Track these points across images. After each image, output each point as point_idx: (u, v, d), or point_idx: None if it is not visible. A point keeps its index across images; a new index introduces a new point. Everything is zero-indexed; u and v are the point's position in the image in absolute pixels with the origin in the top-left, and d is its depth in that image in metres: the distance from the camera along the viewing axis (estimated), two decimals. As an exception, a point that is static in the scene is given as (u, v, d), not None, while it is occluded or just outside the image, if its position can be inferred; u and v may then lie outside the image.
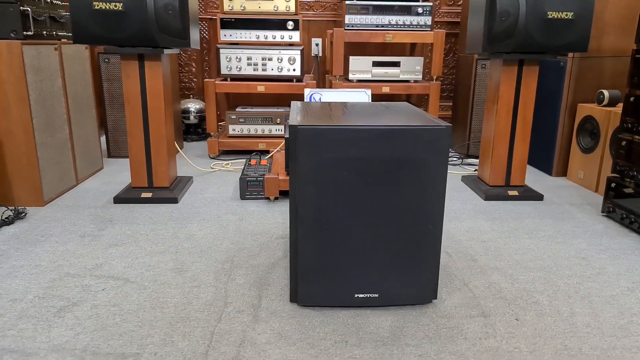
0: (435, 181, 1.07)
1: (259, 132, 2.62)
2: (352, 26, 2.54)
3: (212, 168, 2.40)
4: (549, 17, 1.74)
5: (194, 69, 3.22)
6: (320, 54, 3.16)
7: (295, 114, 1.17)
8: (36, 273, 1.29)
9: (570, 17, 1.75)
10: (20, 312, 1.11)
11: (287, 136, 1.05)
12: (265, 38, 2.56)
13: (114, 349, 0.98)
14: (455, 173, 2.40)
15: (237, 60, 2.54)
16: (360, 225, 1.09)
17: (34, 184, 1.78)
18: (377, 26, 2.54)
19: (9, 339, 1.01)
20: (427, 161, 1.06)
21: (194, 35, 1.83)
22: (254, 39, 2.56)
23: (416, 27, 2.55)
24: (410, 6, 2.53)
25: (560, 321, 1.13)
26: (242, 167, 2.39)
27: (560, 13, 1.74)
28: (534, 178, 2.33)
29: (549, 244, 1.56)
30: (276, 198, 1.93)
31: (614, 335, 1.07)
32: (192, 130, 3.08)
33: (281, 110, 2.70)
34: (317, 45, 3.15)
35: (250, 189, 1.92)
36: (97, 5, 1.68)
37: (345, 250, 1.10)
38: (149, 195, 1.88)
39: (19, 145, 1.74)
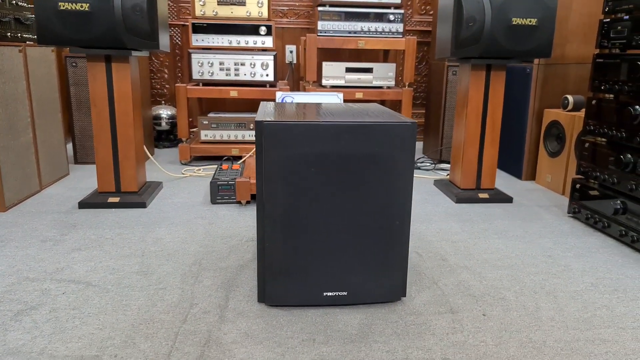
0: (402, 177, 1.08)
1: (232, 138, 2.60)
2: (325, 32, 2.56)
3: (183, 174, 2.36)
4: (514, 23, 1.79)
5: (166, 76, 3.19)
6: (295, 61, 3.18)
7: (263, 113, 1.16)
8: (-8, 278, 1.24)
9: (534, 24, 1.80)
10: (-28, 318, 1.05)
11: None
12: (238, 43, 2.56)
13: (72, 351, 0.94)
14: (428, 177, 2.42)
15: (209, 65, 2.52)
16: (328, 223, 1.08)
17: (-6, 189, 1.71)
18: (349, 33, 2.57)
19: (-42, 345, 0.96)
20: (394, 157, 1.06)
21: (164, 38, 1.81)
22: (226, 44, 2.55)
23: (388, 34, 2.59)
24: (383, 13, 2.57)
25: (526, 315, 1.14)
26: (214, 172, 2.36)
27: (524, 19, 1.80)
28: (504, 182, 2.38)
29: (517, 243, 1.59)
30: (248, 202, 1.91)
31: (577, 328, 1.09)
32: (163, 137, 3.03)
33: (254, 115, 2.68)
34: (291, 52, 3.17)
35: (221, 193, 1.90)
36: (63, 6, 1.64)
37: (313, 248, 1.09)
38: (116, 200, 1.83)
39: (-22, 148, 1.68)
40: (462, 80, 2.06)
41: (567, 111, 2.16)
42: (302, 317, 1.10)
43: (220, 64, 2.52)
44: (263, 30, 2.55)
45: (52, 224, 1.64)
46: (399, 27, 2.59)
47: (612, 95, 1.63)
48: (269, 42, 2.56)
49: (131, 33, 1.70)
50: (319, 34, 2.55)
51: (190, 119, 3.07)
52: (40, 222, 1.64)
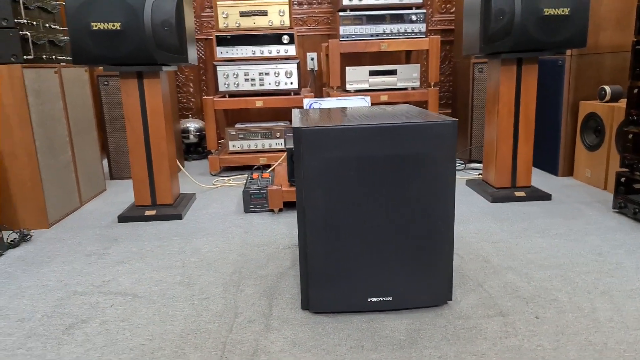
0: (444, 177, 1.06)
1: (259, 147, 2.62)
2: (347, 37, 2.56)
3: (214, 184, 2.39)
4: (545, 14, 1.75)
5: (191, 89, 3.24)
6: (316, 68, 3.18)
7: (298, 119, 1.16)
8: (43, 292, 1.27)
9: (566, 13, 1.75)
10: (29, 331, 1.08)
11: (289, 146, 1.04)
12: (262, 53, 2.58)
13: (124, 364, 0.96)
14: (460, 178, 2.38)
15: (235, 76, 2.55)
16: (370, 226, 1.07)
17: (38, 207, 1.77)
18: (371, 36, 2.56)
19: (19, 358, 0.98)
20: (435, 157, 1.04)
21: (191, 52, 1.84)
22: (250, 54, 2.58)
23: (411, 35, 2.57)
24: (404, 14, 2.55)
25: (582, 317, 1.09)
26: (245, 181, 2.37)
27: (556, 9, 1.75)
28: (540, 179, 2.31)
29: (562, 242, 1.54)
30: (280, 210, 1.91)
31: (639, 329, 1.04)
32: (192, 150, 3.08)
33: (280, 124, 2.70)
34: (312, 59, 3.18)
35: (253, 202, 1.91)
36: (95, 26, 1.69)
37: (355, 253, 1.08)
38: (153, 212, 1.86)
39: (23, 167, 1.74)
40: (491, 76, 2.02)
41: (604, 102, 2.08)
42: (347, 323, 1.08)
43: (245, 74, 2.55)
44: (286, 38, 2.56)
45: (94, 238, 1.68)
46: (422, 27, 2.56)
47: (654, 83, 1.57)
48: (291, 50, 2.58)
49: (161, 48, 1.73)
50: (341, 39, 2.55)
51: (217, 131, 3.11)
52: (84, 237, 1.68)
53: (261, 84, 2.57)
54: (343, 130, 1.01)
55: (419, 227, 1.08)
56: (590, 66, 2.21)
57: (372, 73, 2.61)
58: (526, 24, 1.75)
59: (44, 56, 1.93)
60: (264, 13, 2.56)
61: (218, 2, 2.56)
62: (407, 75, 2.62)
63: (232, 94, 2.59)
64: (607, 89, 2.06)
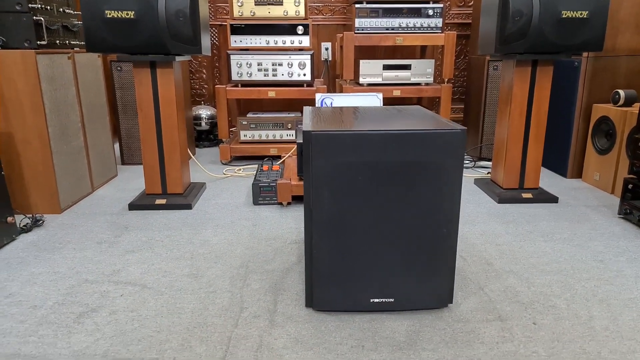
0: (451, 185, 1.07)
1: (270, 138, 2.63)
2: (362, 30, 2.54)
3: (225, 174, 2.42)
4: (563, 16, 1.73)
5: (204, 76, 3.25)
6: (330, 58, 3.17)
7: (309, 120, 1.17)
8: (55, 280, 1.31)
9: (584, 16, 1.73)
10: (40, 319, 1.12)
11: (299, 141, 1.05)
12: (275, 43, 2.58)
13: (133, 354, 0.99)
14: (468, 176, 2.38)
15: (248, 66, 2.55)
16: (375, 230, 1.09)
17: (50, 192, 1.81)
18: (387, 29, 2.54)
19: (31, 345, 1.03)
20: (443, 165, 1.05)
21: (205, 41, 1.84)
22: (264, 44, 2.58)
23: (427, 30, 2.55)
24: (421, 8, 2.52)
25: (579, 325, 1.11)
26: (255, 172, 2.40)
27: (574, 12, 1.72)
28: (548, 180, 2.30)
29: (565, 246, 1.54)
30: (289, 203, 1.93)
31: (633, 339, 1.06)
32: (203, 137, 3.10)
33: (292, 115, 2.71)
34: (326, 49, 3.16)
35: (263, 194, 1.93)
36: (110, 14, 1.70)
37: (360, 255, 1.10)
38: (163, 201, 1.89)
39: (36, 153, 1.77)
40: (505, 76, 2.01)
41: (618, 106, 2.06)
42: (349, 322, 1.11)
43: (259, 64, 2.55)
44: (300, 29, 2.55)
45: (105, 225, 1.72)
46: (438, 22, 2.54)
47: (670, 92, 1.55)
48: (306, 41, 2.57)
49: (175, 39, 1.74)
50: (356, 32, 2.54)
51: (229, 118, 3.13)
52: (95, 224, 1.73)
53: (274, 75, 2.57)
54: (352, 136, 1.03)
55: (423, 232, 1.09)
56: (606, 69, 2.18)
57: (385, 67, 2.59)
58: (543, 26, 1.73)
59: (58, 41, 1.95)
60: (279, 2, 2.55)
61: (232, -10, 2.55)
62: (421, 71, 2.61)
63: (245, 84, 2.60)
64: (621, 93, 2.04)
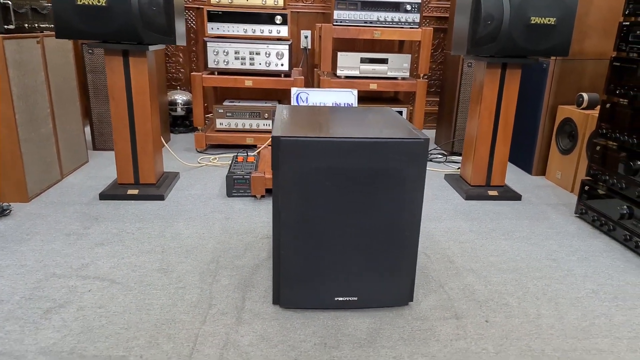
0: (413, 191, 1.11)
1: (247, 127, 2.63)
2: (341, 22, 2.54)
3: (200, 163, 2.42)
4: (532, 22, 1.78)
5: (181, 60, 3.20)
6: (309, 47, 3.16)
7: (279, 123, 1.19)
8: (22, 273, 1.31)
9: (552, 23, 1.78)
10: (7, 314, 1.13)
11: (275, 134, 1.08)
12: (253, 32, 2.56)
13: (100, 351, 1.02)
14: (439, 171, 2.45)
15: (225, 54, 2.53)
16: (341, 232, 1.13)
17: (18, 180, 1.78)
18: (365, 22, 2.55)
19: (-3, 342, 1.04)
20: (406, 172, 1.09)
21: (180, 28, 1.82)
22: (241, 32, 2.55)
23: (404, 24, 2.57)
24: (399, 3, 2.54)
25: (527, 323, 1.19)
26: (230, 162, 2.40)
27: (543, 18, 1.77)
28: (514, 176, 2.39)
29: (523, 245, 1.63)
30: (262, 196, 1.96)
31: (575, 337, 1.14)
32: (179, 123, 3.07)
33: (269, 104, 2.71)
34: (306, 37, 3.15)
35: (237, 186, 1.95)
36: (80, 1, 1.66)
37: (326, 256, 1.15)
38: (135, 192, 1.89)
39: (2, 142, 1.74)
40: (476, 76, 2.06)
41: (581, 109, 2.14)
42: (314, 319, 1.16)
43: (236, 52, 2.53)
44: (278, 19, 2.54)
45: (75, 216, 1.71)
46: (416, 17, 2.56)
47: (626, 101, 1.63)
48: (284, 31, 2.56)
49: (148, 28, 1.72)
50: (334, 24, 2.54)
51: (205, 104, 3.10)
52: (64, 215, 1.72)
53: (251, 64, 2.56)
54: (320, 143, 1.05)
55: (386, 235, 1.14)
56: (573, 71, 2.25)
57: (363, 60, 2.61)
58: (513, 30, 1.78)
59: (26, 25, 1.89)
60: (256, -11, 2.52)
61: (210, -24, 2.50)
62: (397, 65, 2.64)
63: (222, 72, 2.58)
64: (585, 96, 2.12)
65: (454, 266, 1.47)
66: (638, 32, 1.57)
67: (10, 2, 1.74)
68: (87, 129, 2.63)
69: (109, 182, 2.07)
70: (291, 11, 2.91)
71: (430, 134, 3.21)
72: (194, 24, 3.13)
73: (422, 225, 1.76)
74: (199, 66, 3.21)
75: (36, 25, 1.97)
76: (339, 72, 2.61)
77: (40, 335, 1.06)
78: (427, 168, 2.45)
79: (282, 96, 3.10)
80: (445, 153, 2.76)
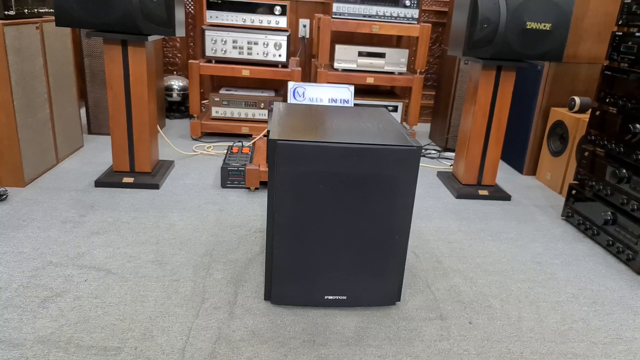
0: (404, 197, 1.15)
1: (243, 116, 2.64)
2: (340, 15, 2.54)
3: (195, 151, 2.43)
4: (528, 27, 1.79)
5: (178, 44, 3.18)
6: (308, 36, 3.15)
7: (275, 124, 1.22)
8: (20, 261, 1.34)
9: (547, 28, 1.80)
10: (5, 301, 1.16)
11: (268, 129, 1.10)
12: (252, 22, 2.55)
13: (96, 342, 1.06)
14: (432, 167, 2.48)
15: (223, 42, 2.52)
16: (332, 234, 1.16)
17: (15, 165, 1.79)
18: (364, 16, 2.55)
19: (-4, 330, 1.07)
20: (398, 178, 1.13)
21: (179, 17, 1.82)
22: (240, 22, 2.54)
23: (403, 20, 2.57)
24: (399, -2, 2.53)
25: (508, 325, 1.24)
26: (225, 153, 2.42)
27: (538, 24, 1.79)
28: (505, 175, 2.43)
29: (510, 247, 1.68)
30: (256, 188, 1.98)
31: (553, 341, 1.19)
32: (174, 108, 3.07)
33: (265, 94, 2.72)
34: (304, 26, 3.14)
35: (231, 178, 1.97)
36: (81, -11, 1.65)
37: (317, 255, 1.18)
38: (131, 180, 1.91)
39: (1, 127, 1.74)
40: (472, 77, 2.08)
41: (573, 112, 2.18)
42: (304, 317, 1.20)
43: (234, 42, 2.53)
44: (278, 9, 2.53)
45: (71, 203, 1.73)
46: (415, 12, 2.56)
47: (615, 109, 1.66)
48: (283, 22, 2.55)
49: (147, 19, 1.72)
50: (333, 17, 2.53)
51: (202, 91, 3.10)
52: (60, 201, 1.74)
53: (249, 53, 2.55)
54: (315, 147, 1.08)
55: (377, 237, 1.18)
56: (567, 74, 2.28)
57: (361, 54, 2.62)
58: (508, 34, 1.80)
59: (26, 10, 1.88)
60: (256, -22, 2.50)
61: (210, -38, 2.48)
62: (395, 60, 2.65)
63: (219, 60, 2.58)
64: (577, 99, 2.15)
65: (442, 266, 1.51)
66: (630, 42, 1.59)
67: (8, -14, 1.73)
68: (83, 112, 2.62)
69: (104, 168, 2.09)
70: (290, 1, 2.89)
71: (425, 127, 3.24)
72: (191, 9, 3.10)
73: (413, 223, 1.80)
74: (196, 52, 3.20)
75: (36, 10, 1.95)
76: (336, 65, 2.62)
77: (38, 323, 1.10)
78: (420, 164, 2.49)
79: (279, 86, 3.10)
80: (439, 149, 2.80)
